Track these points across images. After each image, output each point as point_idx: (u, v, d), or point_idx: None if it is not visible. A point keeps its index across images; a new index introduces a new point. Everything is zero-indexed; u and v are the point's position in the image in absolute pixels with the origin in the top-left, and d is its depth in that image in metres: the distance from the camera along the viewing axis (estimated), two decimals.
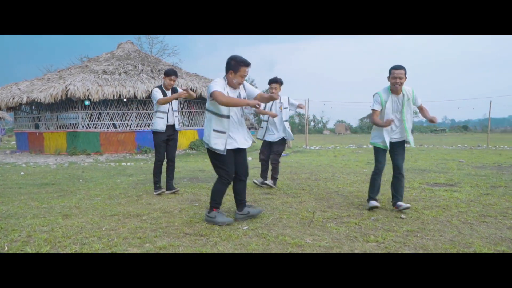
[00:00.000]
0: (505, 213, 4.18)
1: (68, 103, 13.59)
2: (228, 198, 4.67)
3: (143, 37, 32.11)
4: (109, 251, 3.02)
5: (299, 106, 6.03)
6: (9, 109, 15.98)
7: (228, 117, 3.67)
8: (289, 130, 5.95)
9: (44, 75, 16.33)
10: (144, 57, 16.46)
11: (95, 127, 13.63)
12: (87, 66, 15.20)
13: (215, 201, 3.79)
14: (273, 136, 5.91)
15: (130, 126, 13.96)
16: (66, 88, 12.64)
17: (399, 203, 4.26)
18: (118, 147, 13.61)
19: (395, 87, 4.12)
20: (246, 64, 3.62)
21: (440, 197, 5.07)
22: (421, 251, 3.01)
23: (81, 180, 6.97)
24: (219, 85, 3.57)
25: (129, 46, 16.91)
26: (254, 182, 6.03)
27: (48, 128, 14.53)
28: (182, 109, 14.72)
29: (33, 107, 15.75)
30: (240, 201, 3.94)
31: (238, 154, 3.85)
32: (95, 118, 13.76)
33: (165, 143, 5.44)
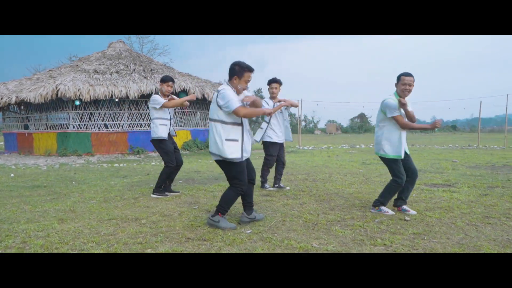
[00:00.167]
0: (507, 214, 4.17)
1: (58, 103, 13.32)
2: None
3: (133, 37, 31.88)
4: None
5: (293, 105, 5.91)
6: None
7: (241, 124, 3.61)
8: (290, 131, 5.89)
9: (33, 75, 16.00)
10: (136, 57, 16.23)
11: (86, 128, 13.38)
12: (77, 65, 14.92)
13: (223, 208, 3.70)
14: (282, 138, 5.79)
15: (122, 127, 13.74)
16: (56, 88, 12.38)
17: (405, 206, 4.31)
18: (109, 147, 13.38)
19: (404, 94, 4.08)
20: (250, 69, 3.61)
21: (440, 198, 5.06)
22: None
23: (74, 182, 6.80)
24: (235, 99, 3.50)
25: (121, 46, 16.65)
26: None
27: (38, 129, 14.22)
28: (175, 109, 14.51)
29: (22, 107, 15.41)
30: (250, 204, 3.89)
31: (247, 159, 3.81)
32: (86, 118, 13.52)
33: (172, 149, 5.33)
